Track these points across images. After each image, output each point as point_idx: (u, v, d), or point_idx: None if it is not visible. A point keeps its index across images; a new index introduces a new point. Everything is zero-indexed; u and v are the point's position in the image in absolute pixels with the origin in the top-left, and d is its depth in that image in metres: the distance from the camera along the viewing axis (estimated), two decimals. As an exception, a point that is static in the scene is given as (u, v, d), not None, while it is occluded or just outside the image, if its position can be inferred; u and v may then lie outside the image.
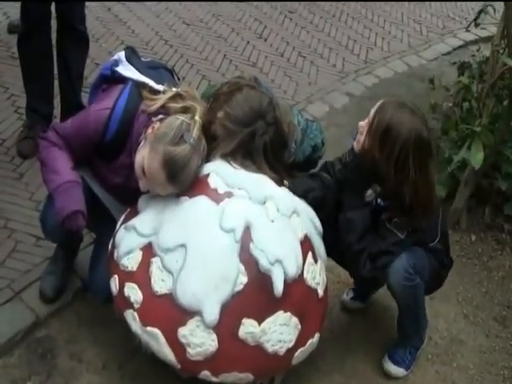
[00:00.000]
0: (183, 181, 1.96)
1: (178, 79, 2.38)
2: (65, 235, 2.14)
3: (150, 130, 1.99)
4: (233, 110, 2.00)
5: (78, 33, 3.03)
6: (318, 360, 2.30)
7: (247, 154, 2.02)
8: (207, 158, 2.03)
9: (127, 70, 2.14)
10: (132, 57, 2.20)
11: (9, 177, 2.93)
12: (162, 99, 2.03)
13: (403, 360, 2.35)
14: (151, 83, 2.09)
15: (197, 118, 1.98)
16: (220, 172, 2.00)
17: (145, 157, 1.94)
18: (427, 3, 5.85)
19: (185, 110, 2.00)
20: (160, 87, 2.09)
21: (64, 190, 2.02)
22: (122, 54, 2.19)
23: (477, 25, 3.50)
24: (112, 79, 2.16)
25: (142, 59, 2.28)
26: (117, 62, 2.18)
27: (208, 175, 2.00)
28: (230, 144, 2.00)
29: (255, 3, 5.16)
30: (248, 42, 4.58)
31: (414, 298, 2.20)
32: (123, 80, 2.11)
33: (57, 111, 3.21)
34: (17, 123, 3.24)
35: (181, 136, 1.92)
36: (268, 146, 2.02)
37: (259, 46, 4.57)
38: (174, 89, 2.09)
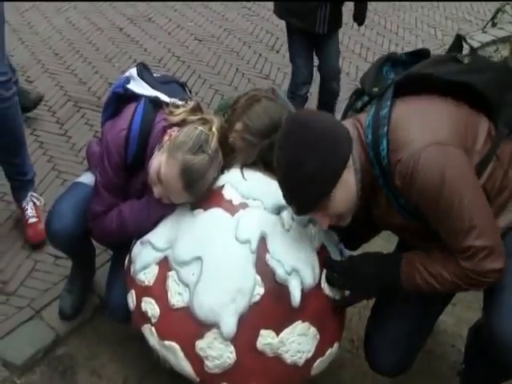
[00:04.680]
0: (199, 190, 1.96)
1: (190, 92, 2.38)
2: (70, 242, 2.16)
3: (166, 138, 1.98)
4: (252, 122, 2.00)
5: None
6: (338, 370, 2.27)
7: (266, 166, 2.00)
8: (223, 170, 2.02)
9: (139, 87, 2.13)
10: (144, 72, 2.19)
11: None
12: (184, 111, 2.02)
13: None
14: (164, 98, 2.09)
15: (214, 130, 1.97)
16: (234, 183, 1.99)
17: (162, 163, 1.93)
18: (441, 7, 5.81)
19: (203, 122, 2.00)
20: (174, 101, 2.08)
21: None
22: (133, 71, 2.18)
23: (494, 24, 3.45)
24: (125, 97, 2.14)
25: (154, 74, 2.27)
26: (128, 80, 2.16)
27: (223, 187, 2.00)
28: (249, 156, 2.00)
29: (267, 16, 5.19)
30: (260, 55, 4.60)
31: None
32: (136, 97, 2.10)
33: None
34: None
35: (200, 146, 1.92)
36: None
37: (271, 58, 4.59)
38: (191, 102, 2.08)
